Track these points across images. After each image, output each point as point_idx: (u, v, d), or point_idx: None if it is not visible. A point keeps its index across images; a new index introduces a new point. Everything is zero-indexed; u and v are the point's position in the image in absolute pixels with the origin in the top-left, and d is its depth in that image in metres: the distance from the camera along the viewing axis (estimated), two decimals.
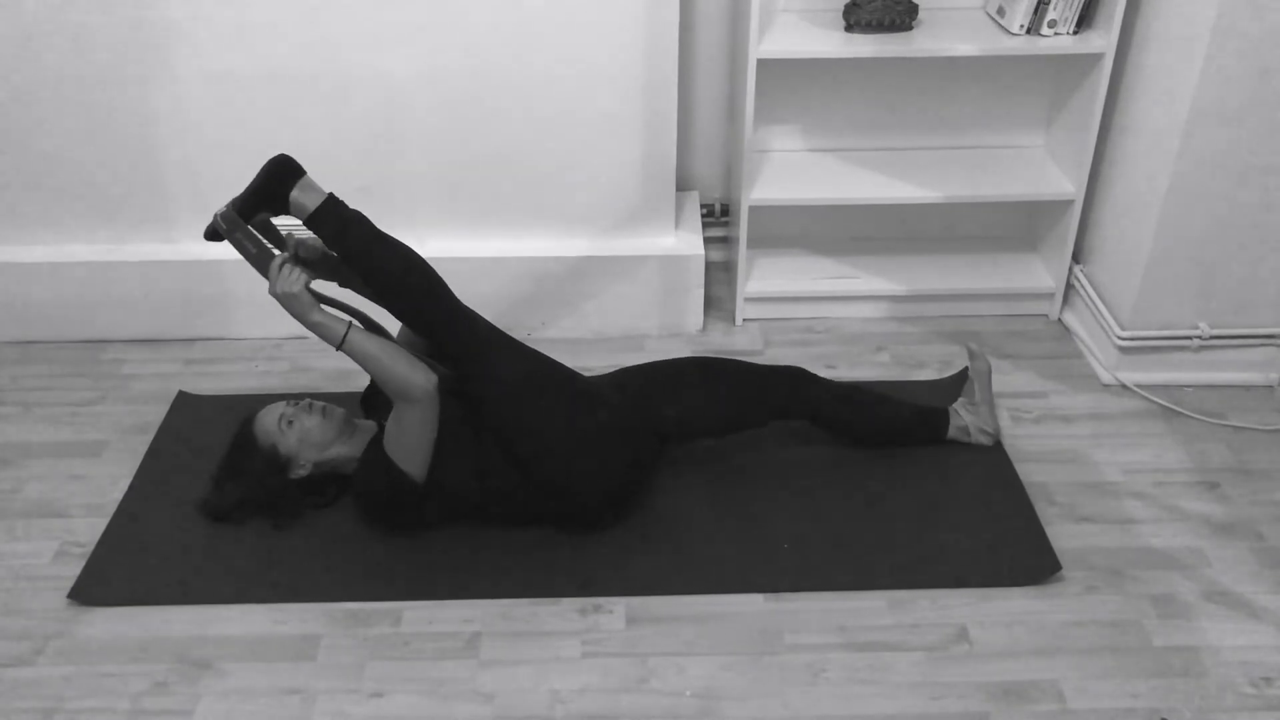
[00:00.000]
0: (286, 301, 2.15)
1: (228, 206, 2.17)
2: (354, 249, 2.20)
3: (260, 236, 2.21)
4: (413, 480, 2.23)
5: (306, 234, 2.23)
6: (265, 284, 2.18)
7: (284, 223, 2.25)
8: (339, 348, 2.17)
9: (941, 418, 2.55)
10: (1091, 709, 1.99)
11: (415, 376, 2.17)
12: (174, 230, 2.92)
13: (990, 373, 2.58)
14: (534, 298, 2.98)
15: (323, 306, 2.19)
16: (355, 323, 2.21)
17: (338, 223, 2.19)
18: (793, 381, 2.49)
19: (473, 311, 2.30)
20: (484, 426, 2.27)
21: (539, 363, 2.34)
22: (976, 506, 2.41)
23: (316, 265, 2.22)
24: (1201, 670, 2.06)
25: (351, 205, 2.23)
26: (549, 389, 2.30)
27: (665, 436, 2.41)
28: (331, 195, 2.20)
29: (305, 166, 2.20)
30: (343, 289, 2.32)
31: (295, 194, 2.17)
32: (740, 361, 2.51)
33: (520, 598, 2.22)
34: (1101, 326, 2.86)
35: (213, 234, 2.20)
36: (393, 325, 2.37)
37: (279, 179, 2.17)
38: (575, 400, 2.31)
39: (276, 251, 2.21)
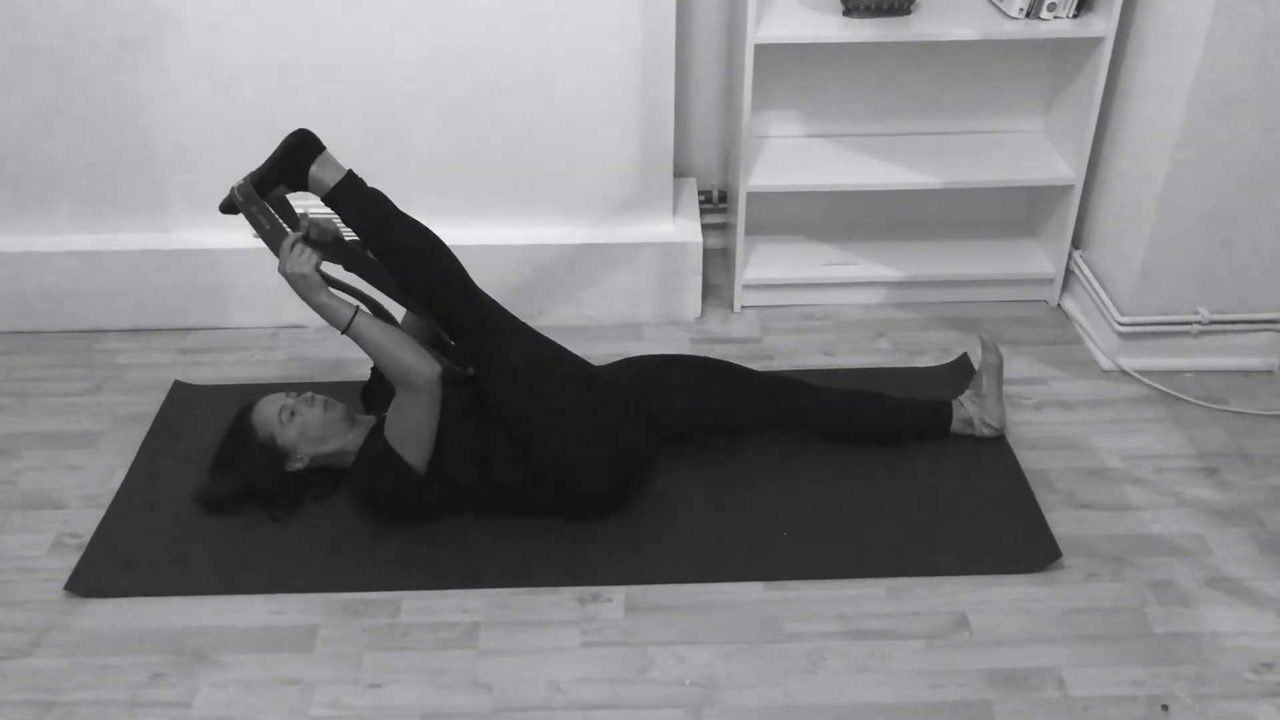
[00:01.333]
0: (295, 281, 2.14)
1: (245, 180, 2.16)
2: (372, 226, 2.18)
3: (274, 213, 2.20)
4: (414, 469, 2.22)
5: (321, 215, 2.21)
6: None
7: (300, 202, 2.23)
8: (345, 331, 2.15)
9: (945, 412, 2.52)
10: (1092, 696, 1.99)
11: (420, 365, 2.16)
12: (168, 219, 2.90)
13: (1001, 366, 2.55)
14: (531, 285, 2.96)
15: (330, 290, 2.17)
16: (362, 307, 2.20)
17: (357, 199, 2.18)
18: (788, 389, 2.47)
19: (487, 295, 2.28)
20: (490, 412, 2.26)
21: (550, 349, 2.32)
22: (976, 494, 2.40)
23: (328, 248, 2.21)
24: (1202, 657, 2.05)
25: None
26: (559, 375, 2.29)
27: (658, 429, 2.40)
28: (351, 172, 2.18)
29: None
30: (349, 273, 2.31)
31: (314, 169, 2.15)
32: (738, 365, 2.50)
33: (519, 587, 2.22)
34: (1101, 312, 2.85)
35: (228, 207, 2.18)
36: (398, 314, 2.37)
37: (298, 153, 2.15)
38: (584, 388, 2.30)
39: (289, 230, 2.20)
